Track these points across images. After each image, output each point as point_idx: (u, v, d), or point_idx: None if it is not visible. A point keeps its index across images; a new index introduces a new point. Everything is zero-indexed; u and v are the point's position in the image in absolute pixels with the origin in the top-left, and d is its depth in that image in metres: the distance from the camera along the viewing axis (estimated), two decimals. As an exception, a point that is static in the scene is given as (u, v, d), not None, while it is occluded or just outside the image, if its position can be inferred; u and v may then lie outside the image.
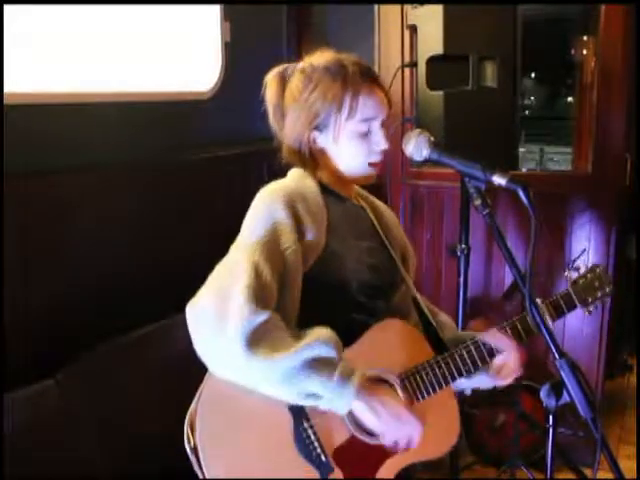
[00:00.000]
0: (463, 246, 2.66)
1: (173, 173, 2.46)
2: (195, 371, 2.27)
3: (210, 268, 2.56)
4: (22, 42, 1.89)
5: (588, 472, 2.81)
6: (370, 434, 1.37)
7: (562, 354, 1.34)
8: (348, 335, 1.37)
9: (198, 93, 2.60)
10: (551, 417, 1.39)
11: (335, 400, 1.26)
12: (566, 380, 1.33)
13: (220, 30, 2.64)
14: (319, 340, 1.26)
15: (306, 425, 1.32)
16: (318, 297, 1.37)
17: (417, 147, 1.39)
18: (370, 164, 1.48)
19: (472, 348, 1.52)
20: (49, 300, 1.98)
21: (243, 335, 1.21)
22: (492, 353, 1.54)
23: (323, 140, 1.48)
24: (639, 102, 3.08)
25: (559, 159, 6.63)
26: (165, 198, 2.41)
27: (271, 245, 1.33)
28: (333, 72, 1.45)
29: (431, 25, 2.46)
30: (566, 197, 2.93)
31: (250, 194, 2.78)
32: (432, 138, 1.39)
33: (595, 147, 2.84)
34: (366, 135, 1.46)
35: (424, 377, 1.45)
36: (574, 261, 1.78)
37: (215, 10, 2.63)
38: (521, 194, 1.28)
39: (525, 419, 2.79)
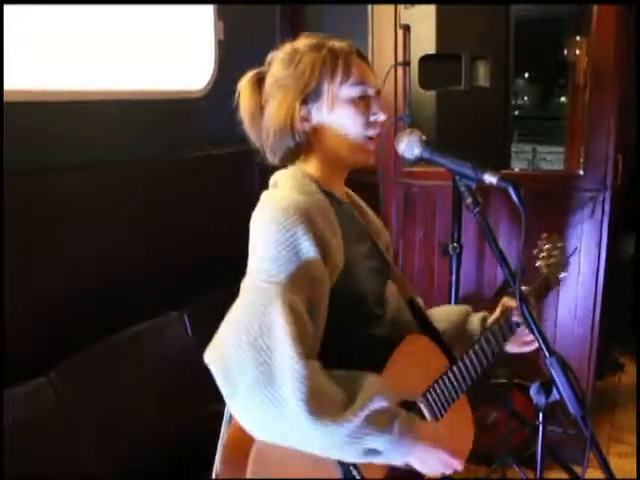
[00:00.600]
0: (455, 244, 2.68)
1: (167, 171, 2.47)
2: (189, 368, 2.29)
3: (205, 265, 2.58)
4: (21, 41, 1.90)
5: (578, 470, 2.82)
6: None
7: (552, 352, 1.34)
8: (366, 349, 1.32)
9: (192, 92, 2.61)
10: (541, 415, 1.40)
11: (394, 453, 1.18)
12: (556, 378, 1.34)
13: (214, 29, 2.65)
14: (376, 394, 1.16)
15: (355, 473, 1.24)
16: (337, 313, 1.25)
17: (409, 146, 1.38)
18: (369, 137, 1.39)
19: (483, 343, 1.54)
20: (46, 298, 1.99)
21: (301, 399, 1.05)
22: (505, 338, 1.60)
23: (316, 114, 1.37)
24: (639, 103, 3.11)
25: (552, 159, 6.64)
26: (160, 196, 2.42)
27: (301, 277, 1.16)
28: (317, 46, 1.37)
29: (424, 25, 2.47)
30: (558, 197, 2.95)
31: (243, 192, 2.82)
32: (424, 137, 1.39)
33: (587, 147, 2.86)
34: (362, 101, 1.38)
35: (444, 390, 1.44)
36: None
37: (209, 9, 2.64)
38: (512, 192, 1.28)
39: (516, 417, 2.80)
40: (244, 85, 1.43)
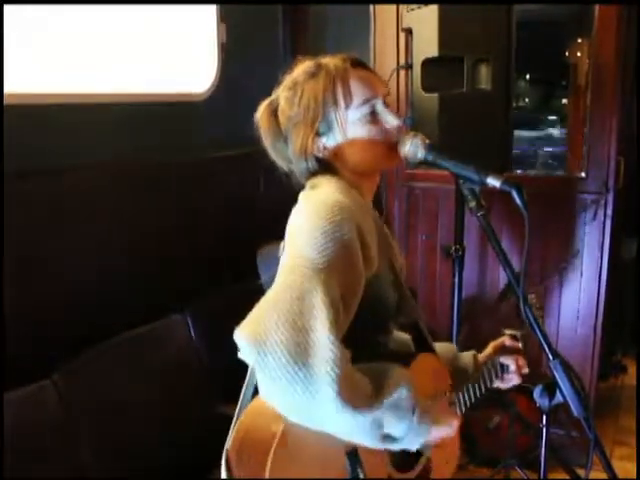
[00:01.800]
0: (457, 247, 2.68)
1: (169, 174, 2.47)
2: (192, 370, 2.30)
3: (207, 268, 2.59)
4: (23, 43, 1.90)
5: (581, 472, 2.82)
6: (404, 471, 1.40)
7: (556, 355, 1.35)
8: (373, 359, 1.31)
9: (194, 94, 2.61)
10: (544, 417, 1.40)
11: (411, 440, 1.20)
12: (559, 380, 1.34)
13: (216, 32, 2.65)
14: (401, 384, 1.18)
15: (360, 475, 1.27)
16: (360, 319, 1.24)
17: (412, 149, 1.38)
18: (392, 143, 1.39)
19: (483, 376, 1.61)
20: (48, 300, 2.00)
21: (334, 381, 1.06)
22: (498, 375, 1.66)
23: (332, 141, 1.39)
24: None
25: (553, 161, 6.65)
26: (161, 199, 2.42)
27: (343, 270, 1.17)
28: (313, 73, 1.39)
29: (426, 27, 2.46)
30: (560, 199, 2.95)
31: (245, 195, 2.82)
32: (427, 140, 1.39)
33: (589, 149, 2.86)
34: (373, 117, 1.38)
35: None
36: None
37: (211, 12, 2.64)
38: (515, 196, 1.29)
39: (520, 420, 2.81)
40: (260, 118, 1.45)
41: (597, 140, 2.83)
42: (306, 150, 1.39)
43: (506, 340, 1.73)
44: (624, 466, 2.81)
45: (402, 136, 1.40)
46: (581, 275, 2.93)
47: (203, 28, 2.64)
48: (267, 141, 1.45)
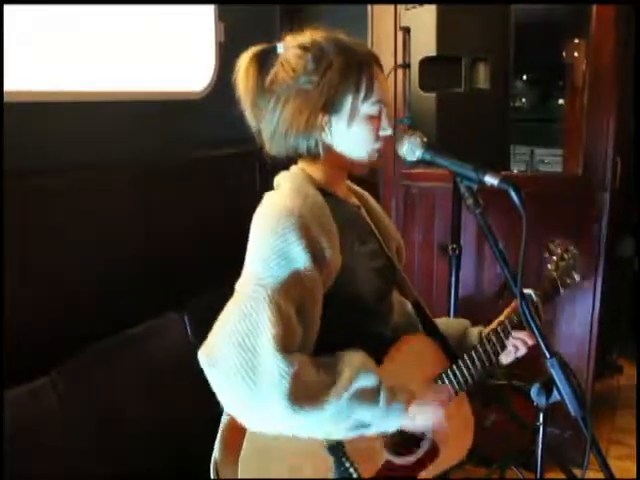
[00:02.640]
0: (455, 245, 2.68)
1: (167, 172, 2.47)
2: (190, 369, 2.28)
3: (205, 266, 2.58)
4: (21, 41, 1.90)
5: (577, 472, 2.82)
6: (402, 454, 1.41)
7: (553, 353, 1.35)
8: (366, 347, 1.33)
9: (192, 93, 2.61)
10: (541, 415, 1.40)
11: (384, 423, 1.23)
12: (557, 379, 1.35)
13: (214, 30, 2.65)
14: (360, 371, 1.20)
15: (348, 465, 1.29)
16: (334, 313, 1.28)
17: (410, 148, 1.38)
18: (375, 150, 1.41)
19: (485, 346, 1.58)
20: (46, 298, 1.99)
21: (284, 395, 1.11)
22: (503, 345, 1.62)
23: (334, 125, 1.36)
24: (638, 105, 3.11)
25: (550, 161, 6.66)
26: (159, 197, 2.42)
27: (290, 282, 1.19)
28: (346, 52, 1.34)
29: (424, 27, 2.47)
30: (557, 198, 2.95)
31: (243, 193, 2.82)
32: (425, 139, 1.39)
33: (586, 149, 2.86)
34: (376, 119, 1.38)
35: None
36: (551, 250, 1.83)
37: (210, 11, 2.64)
38: (512, 194, 1.30)
39: (515, 419, 2.81)
40: (248, 60, 1.39)
41: (594, 139, 2.83)
42: (313, 124, 1.34)
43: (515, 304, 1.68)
44: (620, 465, 2.82)
45: (399, 135, 1.41)
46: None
47: (201, 27, 2.63)
48: (246, 94, 1.39)
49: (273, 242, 1.21)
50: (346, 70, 1.33)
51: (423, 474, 1.44)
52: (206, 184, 2.66)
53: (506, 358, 1.66)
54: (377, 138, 1.40)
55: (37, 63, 1.99)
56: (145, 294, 2.29)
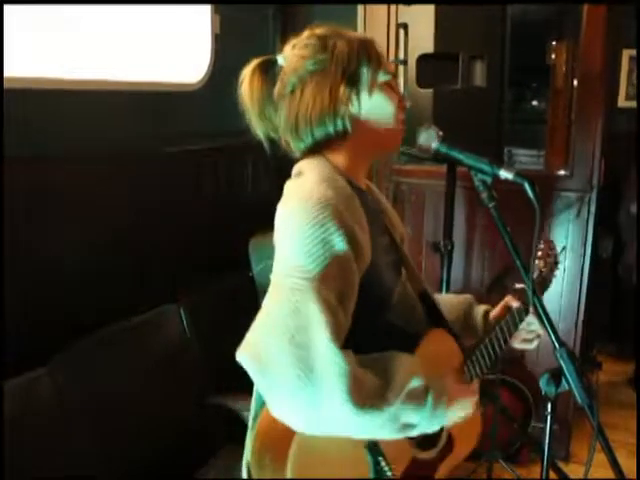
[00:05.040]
0: (447, 242, 2.70)
1: (161, 164, 2.46)
2: (186, 361, 2.29)
3: (200, 258, 2.58)
4: (18, 30, 1.88)
5: (562, 465, 2.88)
6: (426, 449, 1.41)
7: (562, 344, 1.38)
8: (387, 340, 1.31)
9: (187, 84, 2.60)
10: (549, 405, 1.42)
11: (429, 425, 1.22)
12: (565, 369, 1.37)
13: (210, 23, 2.65)
14: (411, 374, 1.19)
15: (384, 464, 1.28)
16: (360, 305, 1.24)
17: (427, 138, 1.40)
18: (402, 121, 1.39)
19: (493, 337, 1.57)
20: (43, 290, 1.98)
21: (344, 393, 1.06)
22: (511, 333, 1.62)
23: (355, 98, 1.32)
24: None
25: (526, 161, 6.74)
26: (153, 189, 2.41)
27: (333, 272, 1.15)
28: (345, 35, 1.34)
29: (422, 23, 2.49)
30: (545, 197, 2.99)
31: (237, 185, 2.82)
32: (440, 132, 1.41)
33: (574, 148, 2.91)
34: (392, 88, 1.37)
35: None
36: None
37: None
38: (527, 188, 1.33)
39: (504, 413, 2.85)
40: (251, 72, 1.35)
41: (582, 139, 2.88)
42: (337, 98, 1.30)
43: (511, 300, 1.69)
44: (604, 459, 2.86)
45: (418, 128, 1.42)
46: (564, 271, 2.98)
47: (197, 19, 2.63)
48: (254, 105, 1.35)
49: (314, 233, 1.16)
50: (352, 45, 1.32)
51: (441, 470, 1.46)
52: (200, 176, 2.65)
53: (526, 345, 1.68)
54: (400, 106, 1.38)
55: (32, 52, 1.97)
56: (141, 286, 2.28)
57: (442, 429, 1.43)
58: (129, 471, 1.97)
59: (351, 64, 1.31)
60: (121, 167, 2.27)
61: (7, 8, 1.80)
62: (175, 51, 2.56)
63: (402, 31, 2.64)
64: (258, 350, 1.08)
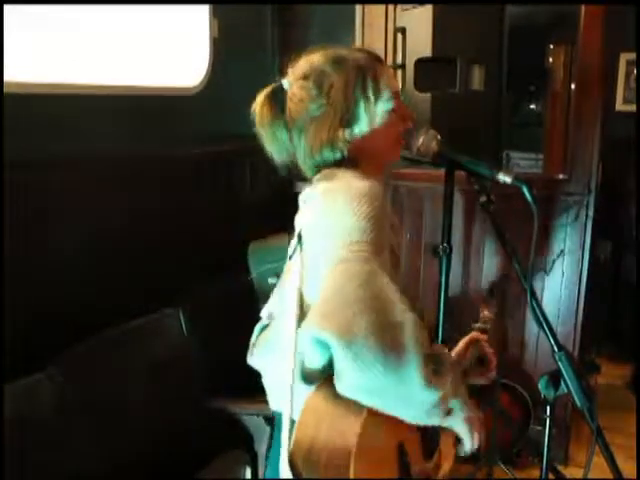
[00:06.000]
0: (445, 245, 2.70)
1: (160, 167, 2.46)
2: (185, 364, 2.29)
3: (199, 262, 2.58)
4: (19, 34, 1.89)
5: (561, 468, 2.88)
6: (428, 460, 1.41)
7: (560, 347, 1.38)
8: None
9: (186, 88, 2.61)
10: (548, 408, 1.43)
11: (460, 415, 1.26)
12: (564, 372, 1.38)
13: (209, 27, 2.66)
14: (451, 367, 1.23)
15: (406, 459, 1.30)
16: None
17: (427, 142, 1.41)
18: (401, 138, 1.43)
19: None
20: (43, 294, 1.98)
21: (420, 364, 1.11)
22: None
23: (356, 133, 1.37)
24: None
25: (524, 164, 6.76)
26: (153, 193, 2.42)
27: (386, 248, 1.23)
28: (344, 64, 1.36)
29: (420, 27, 2.49)
30: (544, 200, 2.99)
31: (235, 189, 2.82)
32: (439, 136, 1.42)
33: (572, 152, 2.92)
34: (394, 112, 1.39)
35: None
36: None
37: (204, 7, 2.65)
38: (525, 191, 1.34)
39: (503, 416, 2.85)
40: (260, 104, 1.41)
41: (581, 142, 2.88)
42: (333, 142, 1.35)
43: (475, 334, 1.70)
44: (603, 462, 2.86)
45: (415, 130, 1.42)
46: (562, 275, 2.99)
47: (196, 23, 2.64)
48: (266, 131, 1.41)
49: (370, 210, 1.20)
50: (349, 83, 1.35)
51: (445, 467, 1.46)
52: (198, 179, 2.66)
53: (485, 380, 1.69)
54: (404, 125, 1.41)
55: (32, 56, 1.98)
56: (141, 290, 2.28)
57: (438, 443, 1.43)
58: (129, 474, 1.97)
59: (348, 106, 1.35)
60: (120, 170, 2.27)
61: (8, 11, 1.81)
62: (174, 55, 2.57)
63: (400, 35, 2.66)
64: (340, 321, 1.09)
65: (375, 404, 1.16)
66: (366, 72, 1.36)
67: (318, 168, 1.40)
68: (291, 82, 1.40)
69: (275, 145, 1.42)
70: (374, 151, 1.40)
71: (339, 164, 1.39)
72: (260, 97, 1.41)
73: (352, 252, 1.16)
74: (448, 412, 1.23)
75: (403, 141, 1.43)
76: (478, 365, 1.65)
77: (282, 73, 1.44)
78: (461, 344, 1.69)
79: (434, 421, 1.22)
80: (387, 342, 1.08)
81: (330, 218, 1.25)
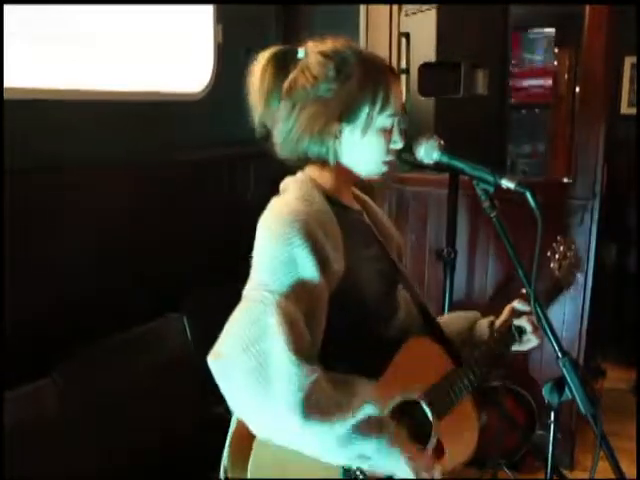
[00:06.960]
0: (450, 250, 2.71)
1: (164, 173, 2.47)
2: (189, 369, 2.29)
3: (204, 267, 2.58)
4: (20, 40, 1.89)
5: (566, 473, 2.87)
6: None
7: (564, 353, 1.38)
8: (372, 350, 1.34)
9: (190, 94, 2.61)
10: (553, 414, 1.43)
11: (381, 462, 1.20)
12: (568, 378, 1.37)
13: (213, 32, 2.66)
14: (368, 401, 1.19)
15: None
16: (338, 316, 1.27)
17: (428, 150, 1.41)
18: (385, 162, 1.40)
19: (488, 346, 1.58)
20: (46, 299, 1.98)
21: (297, 404, 1.10)
22: (508, 344, 1.63)
23: (347, 134, 1.36)
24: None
25: (529, 169, 6.77)
26: (156, 198, 2.42)
27: (298, 287, 1.19)
28: (367, 62, 1.34)
29: (424, 32, 2.50)
30: (549, 205, 2.95)
31: (239, 194, 2.82)
32: (441, 142, 1.42)
33: (577, 156, 2.91)
34: (389, 132, 1.38)
35: (448, 390, 1.46)
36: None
37: (208, 13, 2.65)
38: (529, 197, 1.34)
39: (508, 420, 2.84)
40: (265, 62, 1.35)
41: (585, 146, 2.88)
42: (323, 132, 1.34)
43: (516, 303, 1.68)
44: (608, 467, 2.85)
45: (418, 139, 1.42)
46: (567, 279, 2.97)
47: (200, 29, 2.64)
48: (258, 93, 1.35)
49: (279, 247, 1.21)
50: (365, 81, 1.34)
51: None
52: (203, 185, 2.66)
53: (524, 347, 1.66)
54: (388, 151, 1.40)
55: (35, 62, 1.98)
56: (144, 294, 2.28)
57: (432, 434, 1.41)
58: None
59: (354, 103, 1.34)
60: (123, 176, 2.28)
61: (8, 15, 1.81)
62: (178, 61, 2.57)
63: (404, 40, 2.67)
64: (220, 356, 1.14)
65: (262, 436, 1.18)
66: (383, 80, 1.36)
67: (293, 155, 1.38)
68: (309, 53, 1.36)
69: (260, 111, 1.37)
70: (352, 160, 1.40)
71: (314, 161, 1.38)
72: (266, 55, 1.36)
73: (254, 288, 1.20)
74: (365, 458, 1.18)
75: (385, 164, 1.41)
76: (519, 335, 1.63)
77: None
78: (505, 312, 1.70)
79: (348, 463, 1.19)
80: (257, 383, 1.10)
81: (257, 241, 1.28)
